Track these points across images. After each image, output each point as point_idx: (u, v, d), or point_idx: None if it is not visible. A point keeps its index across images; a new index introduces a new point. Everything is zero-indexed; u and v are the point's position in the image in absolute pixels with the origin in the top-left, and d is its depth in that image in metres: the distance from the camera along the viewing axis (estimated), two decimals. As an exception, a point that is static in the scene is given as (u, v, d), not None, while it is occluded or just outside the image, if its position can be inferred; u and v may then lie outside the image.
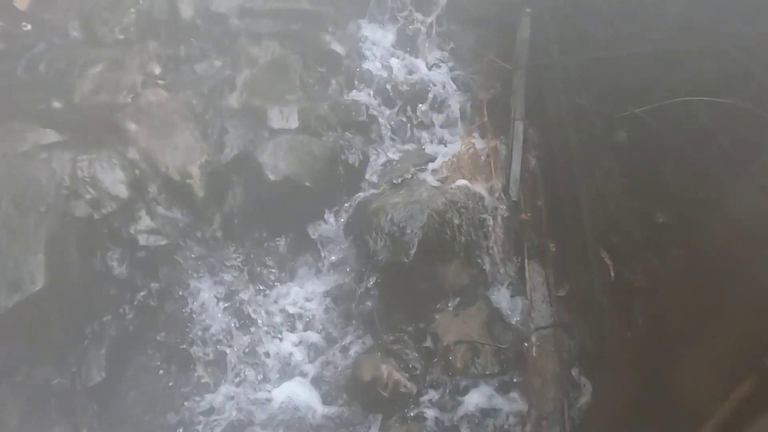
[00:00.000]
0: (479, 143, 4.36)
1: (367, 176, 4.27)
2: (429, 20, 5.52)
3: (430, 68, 5.17)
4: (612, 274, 3.32)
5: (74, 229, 3.07)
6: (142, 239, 3.34)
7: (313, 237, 3.97)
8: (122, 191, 3.31)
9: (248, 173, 3.89)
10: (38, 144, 3.35)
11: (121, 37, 5.04)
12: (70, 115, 3.88)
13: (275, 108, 4.29)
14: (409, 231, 3.59)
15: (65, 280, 2.97)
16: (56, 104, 4.06)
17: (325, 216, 4.04)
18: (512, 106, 4.40)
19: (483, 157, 4.26)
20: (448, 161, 4.24)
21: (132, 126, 3.58)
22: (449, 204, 3.81)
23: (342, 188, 4.17)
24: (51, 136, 3.47)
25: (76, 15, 5.18)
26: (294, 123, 4.27)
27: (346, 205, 4.08)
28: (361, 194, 4.13)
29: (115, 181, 3.30)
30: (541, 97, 4.35)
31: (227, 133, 4.09)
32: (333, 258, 3.89)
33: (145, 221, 3.38)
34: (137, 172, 3.44)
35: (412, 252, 3.49)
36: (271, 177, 3.81)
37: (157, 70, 4.75)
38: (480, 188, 3.99)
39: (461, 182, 4.00)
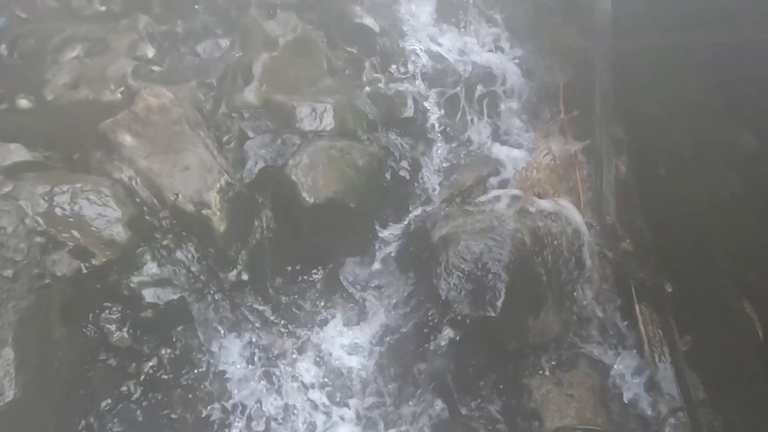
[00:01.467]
0: (557, 146, 3.53)
1: (420, 190, 3.44)
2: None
3: (484, 47, 4.28)
4: (760, 332, 2.58)
5: (56, 296, 2.23)
6: (148, 294, 2.51)
7: (359, 271, 3.17)
8: (119, 232, 2.45)
9: (279, 194, 3.04)
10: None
11: (103, 8, 4.07)
12: (42, 120, 2.98)
13: (305, 104, 3.40)
14: (491, 273, 2.80)
15: (47, 370, 2.15)
16: (23, 104, 3.14)
17: (375, 244, 3.23)
18: (596, 98, 3.57)
19: (564, 166, 3.45)
20: (522, 171, 3.42)
21: (126, 138, 2.69)
22: (533, 232, 3.01)
23: (392, 206, 3.34)
24: (17, 153, 2.57)
25: None
26: (329, 122, 3.40)
27: (398, 229, 3.26)
28: (415, 215, 3.30)
29: (108, 220, 2.43)
30: (633, 88, 3.51)
31: (248, 139, 3.21)
32: (386, 298, 3.10)
33: (151, 269, 2.54)
34: (137, 203, 2.57)
35: (500, 303, 2.71)
36: (309, 200, 2.96)
37: (151, 53, 3.81)
38: (566, 208, 3.20)
39: (542, 201, 3.20)
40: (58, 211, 2.34)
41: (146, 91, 2.77)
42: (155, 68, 3.73)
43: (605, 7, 3.72)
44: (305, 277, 3.16)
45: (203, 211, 2.67)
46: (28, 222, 2.26)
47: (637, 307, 2.90)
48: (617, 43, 3.58)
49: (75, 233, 2.35)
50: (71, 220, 2.36)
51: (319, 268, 3.19)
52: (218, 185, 2.74)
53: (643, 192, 3.25)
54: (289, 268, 3.14)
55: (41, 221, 2.30)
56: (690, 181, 3.06)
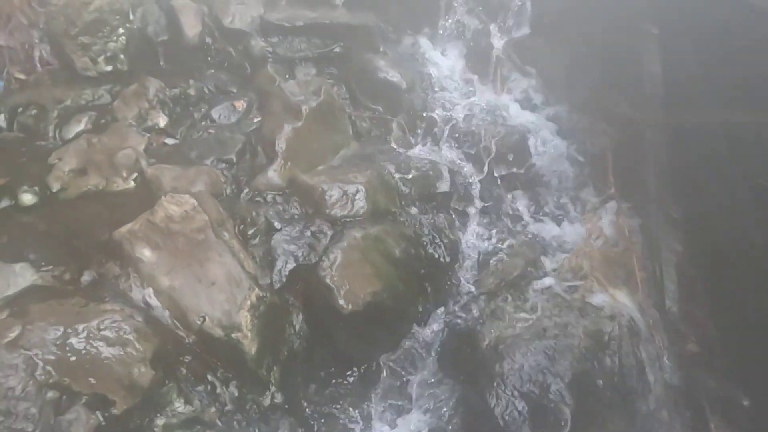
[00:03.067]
0: (609, 226, 3.26)
1: (462, 279, 3.15)
2: (509, 35, 4.29)
3: (519, 105, 3.98)
4: None
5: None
6: (176, 437, 2.23)
7: (398, 376, 2.88)
8: (142, 373, 2.15)
9: (312, 296, 2.76)
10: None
11: (109, 68, 3.75)
12: (49, 222, 2.66)
13: (334, 186, 3.10)
14: (552, 391, 2.53)
15: None
16: (27, 199, 2.82)
17: (414, 344, 2.94)
18: (649, 173, 3.29)
19: (618, 249, 3.17)
20: (573, 256, 3.14)
21: (145, 252, 2.40)
22: (592, 336, 2.74)
23: (432, 300, 3.05)
24: (23, 276, 2.28)
25: (44, 36, 3.86)
26: (361, 205, 3.11)
27: (440, 326, 2.98)
28: (458, 309, 3.02)
29: (129, 360, 2.15)
30: (692, 165, 3.23)
31: (275, 231, 2.92)
32: (429, 408, 2.80)
33: (177, 408, 2.25)
34: (160, 333, 2.28)
35: (566, 430, 2.44)
36: (347, 307, 2.68)
37: (162, 122, 3.51)
38: (624, 305, 2.93)
39: (598, 296, 2.93)
40: (72, 357, 2.05)
41: (167, 199, 2.48)
42: (168, 141, 3.43)
43: (655, 70, 3.43)
44: (340, 383, 2.87)
45: (233, 335, 2.38)
46: (39, 375, 1.98)
47: (711, 424, 2.64)
48: (671, 112, 3.29)
49: (92, 380, 2.06)
50: (88, 366, 2.07)
51: (355, 371, 2.90)
52: (249, 302, 2.45)
53: (706, 284, 2.97)
54: (323, 373, 2.86)
55: (53, 371, 2.01)
56: (761, 277, 2.79)
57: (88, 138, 3.17)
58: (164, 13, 4.02)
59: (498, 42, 4.27)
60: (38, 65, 3.82)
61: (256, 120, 3.68)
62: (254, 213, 2.95)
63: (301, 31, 4.02)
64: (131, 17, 3.89)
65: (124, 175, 2.97)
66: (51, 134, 3.35)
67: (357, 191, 3.12)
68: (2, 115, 3.41)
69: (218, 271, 2.46)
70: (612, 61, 3.82)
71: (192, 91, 3.74)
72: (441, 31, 4.39)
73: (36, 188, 2.88)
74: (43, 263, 2.38)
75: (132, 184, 2.97)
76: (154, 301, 2.35)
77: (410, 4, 4.37)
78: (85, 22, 3.74)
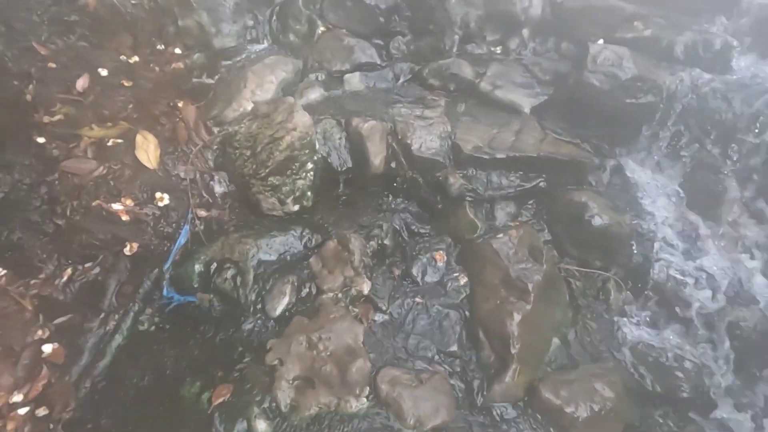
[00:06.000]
0: None
1: None
2: (738, 163, 3.63)
3: (757, 268, 3.42)
4: None
5: None
6: None
7: None
8: None
9: None
10: None
11: (296, 208, 3.45)
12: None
13: (582, 405, 2.70)
14: None
15: None
16: (262, 428, 2.53)
17: None
18: None
19: None
20: None
21: None
22: None
23: None
24: None
25: (218, 158, 3.58)
26: (611, 427, 2.72)
27: None
28: None
29: None
30: None
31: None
32: None
33: None
34: None
35: None
36: None
37: (367, 288, 3.18)
38: None
39: None
40: None
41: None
42: (377, 318, 3.09)
43: None
44: None
45: None
46: None
47: None
48: None
49: None
50: None
51: None
52: None
53: None
54: None
55: None
56: None
57: (305, 329, 2.84)
58: (348, 139, 3.64)
59: (723, 172, 3.67)
60: (219, 199, 3.57)
61: (462, 281, 3.31)
62: (505, 450, 2.62)
63: (500, 164, 3.55)
64: (317, 147, 3.53)
65: (357, 392, 2.66)
66: (252, 304, 3.05)
67: (607, 410, 2.73)
68: (196, 275, 3.14)
69: None
70: None
71: (388, 241, 3.37)
72: (651, 154, 3.82)
73: (266, 406, 2.60)
74: None
75: (365, 403, 2.65)
76: None
77: (612, 115, 3.79)
78: (276, 161, 3.41)
